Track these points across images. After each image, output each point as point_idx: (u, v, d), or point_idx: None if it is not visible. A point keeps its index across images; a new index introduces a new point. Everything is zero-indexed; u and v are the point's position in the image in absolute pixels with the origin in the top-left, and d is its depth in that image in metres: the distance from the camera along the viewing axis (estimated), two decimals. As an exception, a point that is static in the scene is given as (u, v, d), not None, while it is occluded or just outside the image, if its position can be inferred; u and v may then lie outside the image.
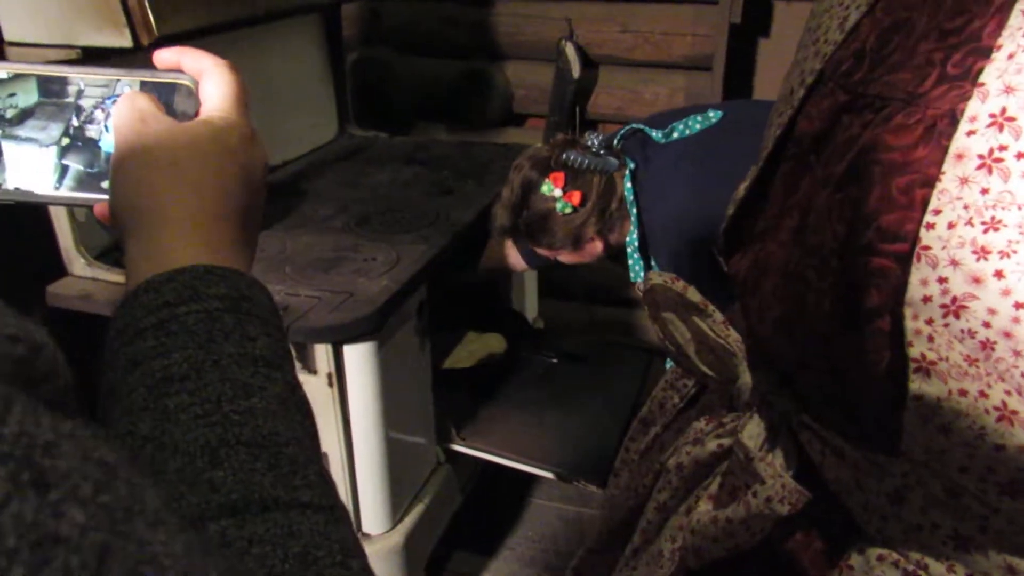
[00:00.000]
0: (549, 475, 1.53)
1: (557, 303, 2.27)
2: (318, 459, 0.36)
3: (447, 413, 1.58)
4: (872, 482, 0.44)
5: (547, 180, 1.38)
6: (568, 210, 1.37)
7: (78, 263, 1.32)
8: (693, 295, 0.59)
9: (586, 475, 1.50)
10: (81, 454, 0.20)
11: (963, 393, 0.38)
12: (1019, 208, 0.35)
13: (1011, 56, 0.36)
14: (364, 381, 1.29)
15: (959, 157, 0.36)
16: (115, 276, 1.30)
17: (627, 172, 1.37)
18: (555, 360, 1.85)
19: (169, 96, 0.45)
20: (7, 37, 1.19)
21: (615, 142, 1.42)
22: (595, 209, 1.38)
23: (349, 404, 1.30)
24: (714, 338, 0.57)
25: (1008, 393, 0.37)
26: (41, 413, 0.20)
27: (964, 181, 0.36)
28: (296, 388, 0.39)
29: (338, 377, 1.28)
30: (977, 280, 0.36)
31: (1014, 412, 0.37)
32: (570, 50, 1.96)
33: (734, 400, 0.58)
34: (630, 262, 1.40)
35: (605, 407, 1.69)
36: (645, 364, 1.85)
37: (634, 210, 1.36)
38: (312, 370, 1.29)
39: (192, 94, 0.45)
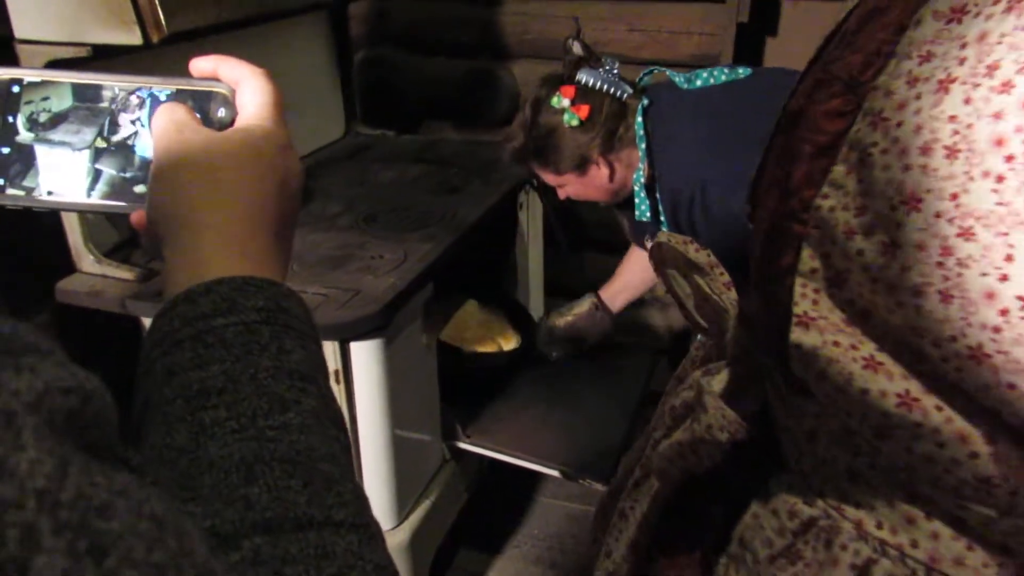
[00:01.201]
0: (555, 473, 1.53)
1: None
2: (352, 475, 0.36)
3: (453, 411, 1.59)
4: (795, 421, 0.49)
5: (557, 93, 1.36)
6: (575, 122, 1.34)
7: (87, 260, 1.32)
8: (700, 257, 0.62)
9: (592, 473, 1.50)
10: (135, 511, 0.21)
11: (836, 344, 0.42)
12: (877, 196, 0.39)
13: (899, 62, 0.40)
14: (371, 379, 1.29)
15: (849, 149, 0.41)
16: (124, 273, 1.31)
17: (640, 106, 1.35)
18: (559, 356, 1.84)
19: (205, 104, 0.45)
20: (17, 35, 1.20)
21: (637, 80, 1.41)
22: (603, 129, 1.36)
23: (356, 401, 1.31)
24: (711, 295, 0.61)
25: (879, 350, 0.41)
26: (95, 471, 0.21)
27: (849, 172, 0.40)
28: (331, 401, 0.39)
29: (345, 375, 1.28)
30: (848, 257, 0.40)
31: (880, 363, 0.41)
32: (577, 49, 1.96)
33: (725, 352, 0.61)
34: (636, 200, 1.37)
35: (611, 405, 1.69)
36: (650, 363, 1.85)
37: (643, 145, 1.34)
38: (319, 367, 1.29)
39: (229, 103, 0.45)
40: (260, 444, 0.33)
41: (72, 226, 1.31)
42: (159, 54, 1.19)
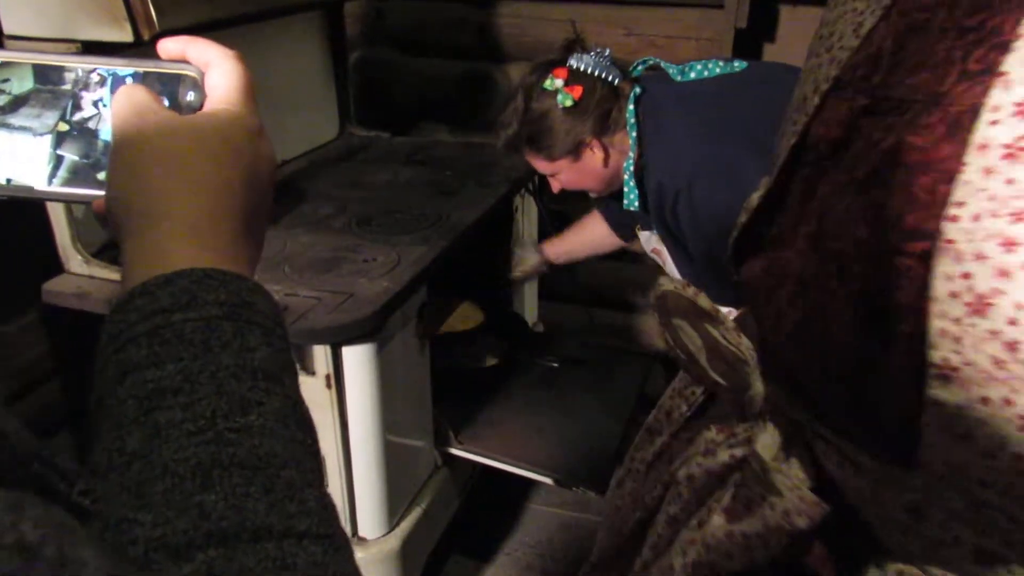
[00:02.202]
0: (548, 480, 1.52)
1: (557, 306, 2.26)
2: (319, 482, 0.34)
3: (445, 417, 1.57)
4: (890, 495, 0.42)
5: (549, 75, 1.35)
6: (568, 103, 1.33)
7: (75, 260, 1.30)
8: (704, 301, 0.58)
9: (585, 480, 1.49)
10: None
11: (985, 401, 0.36)
12: None
13: None
14: (363, 383, 1.27)
15: (982, 148, 0.35)
16: (112, 274, 1.29)
17: (632, 94, 1.34)
18: (555, 364, 1.83)
19: (173, 88, 0.43)
20: (6, 31, 1.18)
21: (631, 68, 1.40)
22: (597, 110, 1.34)
23: (347, 406, 1.29)
24: (726, 346, 0.56)
25: None
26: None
27: (988, 172, 0.35)
28: (298, 403, 0.37)
29: (336, 379, 1.26)
30: (1004, 274, 0.34)
31: None
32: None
33: (746, 409, 0.57)
34: (625, 189, 1.36)
35: (604, 411, 1.68)
36: (645, 368, 1.84)
37: (634, 132, 1.33)
38: (310, 371, 1.27)
39: (197, 86, 0.43)
40: (218, 448, 0.31)
41: (60, 226, 1.29)
42: (150, 51, 1.17)
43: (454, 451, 1.56)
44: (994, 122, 0.35)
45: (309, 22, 1.91)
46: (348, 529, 1.39)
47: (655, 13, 1.93)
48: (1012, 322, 0.34)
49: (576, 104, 1.33)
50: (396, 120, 2.25)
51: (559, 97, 1.33)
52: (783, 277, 0.46)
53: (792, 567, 0.50)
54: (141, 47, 1.15)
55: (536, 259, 1.79)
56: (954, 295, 0.36)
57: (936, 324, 0.37)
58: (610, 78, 1.34)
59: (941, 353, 0.37)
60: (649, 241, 1.48)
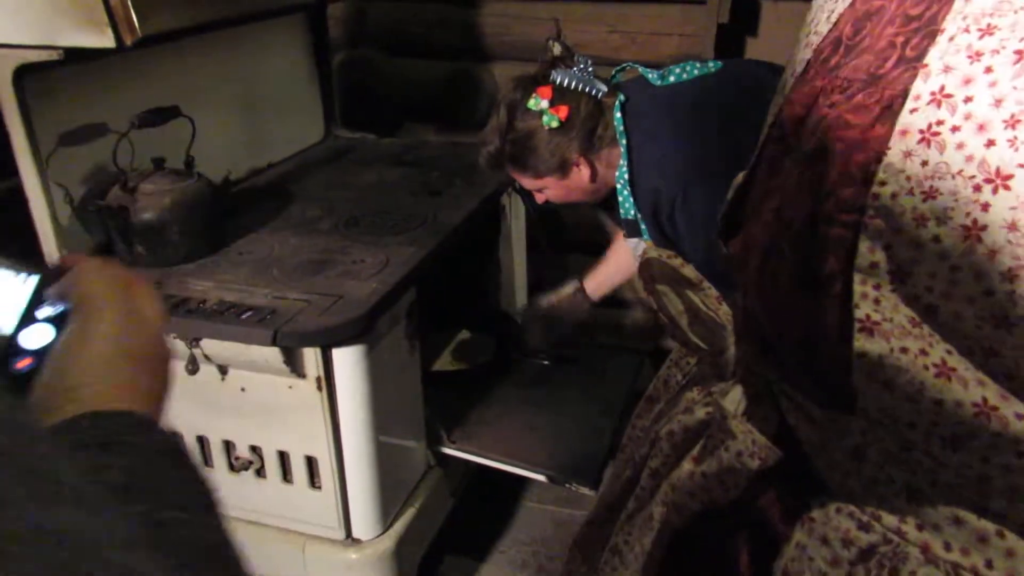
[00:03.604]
0: (541, 477, 1.52)
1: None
2: None
3: (437, 416, 1.57)
4: (835, 440, 0.46)
5: (534, 94, 1.34)
6: (554, 123, 1.32)
7: (61, 267, 1.29)
8: (688, 271, 0.61)
9: (577, 477, 1.49)
10: None
11: (904, 351, 0.40)
12: (953, 177, 0.36)
13: (951, 38, 0.37)
14: (353, 385, 1.27)
15: (903, 133, 0.39)
16: (99, 280, 1.28)
17: (617, 103, 1.34)
18: (546, 362, 1.84)
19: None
20: (-13, 38, 1.17)
21: (610, 76, 1.39)
22: (582, 129, 1.33)
23: (339, 408, 1.29)
24: (705, 311, 0.60)
25: (949, 352, 0.39)
26: None
27: (907, 155, 0.38)
28: (168, 526, 0.37)
29: (327, 381, 1.26)
30: (918, 246, 0.38)
31: (952, 369, 0.39)
32: (557, 50, 1.95)
33: (722, 370, 0.59)
34: (620, 198, 1.35)
35: (596, 409, 1.68)
36: (636, 366, 1.85)
37: (624, 141, 1.32)
38: (301, 374, 1.27)
39: (66, 316, 0.48)
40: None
41: (46, 233, 1.29)
42: (131, 57, 1.17)
43: (447, 450, 1.56)
44: (913, 110, 0.38)
45: (292, 25, 1.90)
46: (342, 531, 1.39)
47: (638, 10, 1.94)
48: (928, 289, 0.38)
49: (562, 125, 1.32)
50: (381, 121, 2.25)
51: (544, 118, 1.32)
52: (752, 248, 0.49)
53: (746, 508, 0.53)
54: (123, 52, 1.14)
55: (571, 287, 1.71)
56: (874, 265, 0.40)
57: (859, 289, 0.41)
58: (594, 92, 1.34)
59: (864, 311, 0.41)
60: (637, 248, 1.48)
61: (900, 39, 0.40)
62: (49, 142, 1.30)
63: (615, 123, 1.33)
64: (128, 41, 1.12)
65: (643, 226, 1.31)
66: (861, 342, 0.42)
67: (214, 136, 1.61)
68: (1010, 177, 0.34)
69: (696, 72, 1.34)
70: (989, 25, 0.36)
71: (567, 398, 1.73)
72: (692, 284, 0.61)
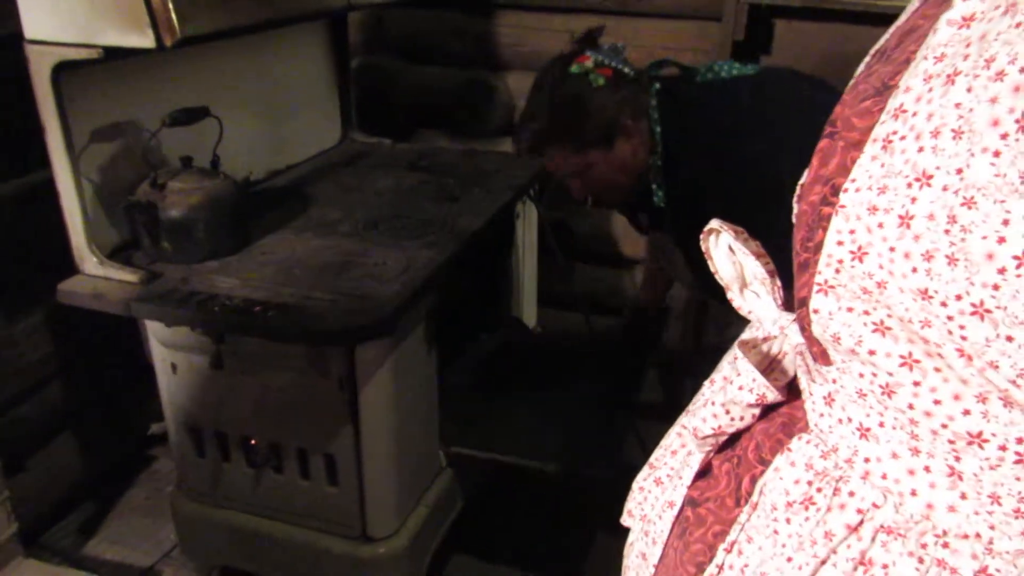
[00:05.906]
0: (551, 471, 1.55)
1: (556, 313, 2.29)
2: None
3: (449, 416, 1.60)
4: (816, 387, 0.56)
5: (575, 62, 1.32)
6: (601, 81, 1.30)
7: (90, 262, 1.31)
8: (754, 245, 0.67)
9: (588, 470, 1.53)
10: None
11: (850, 309, 0.49)
12: (895, 176, 0.45)
13: (916, 63, 0.46)
14: (376, 384, 1.29)
15: (874, 140, 0.47)
16: (127, 275, 1.30)
17: (653, 90, 1.34)
18: (553, 362, 1.88)
19: None
20: (27, 35, 1.19)
21: (646, 67, 1.40)
22: (627, 90, 1.32)
23: (360, 407, 1.31)
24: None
25: (889, 316, 0.47)
26: None
27: (873, 158, 0.47)
28: None
29: (349, 380, 1.29)
30: (870, 231, 0.46)
31: (888, 328, 0.47)
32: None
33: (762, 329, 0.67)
34: (653, 186, 1.35)
35: (602, 406, 1.72)
36: (643, 365, 1.89)
37: (658, 128, 1.33)
38: (324, 373, 1.29)
39: None
40: None
41: (75, 227, 1.30)
42: (162, 57, 1.19)
43: (458, 450, 1.59)
44: (883, 122, 0.47)
45: (314, 30, 1.93)
46: (357, 528, 1.41)
47: (654, 25, 1.98)
48: (880, 267, 0.46)
49: (608, 82, 1.31)
50: (395, 127, 2.28)
51: (591, 76, 1.31)
52: (802, 221, 0.56)
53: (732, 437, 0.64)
54: (161, 53, 1.17)
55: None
56: (840, 244, 0.48)
57: (823, 259, 0.50)
58: (628, 71, 1.35)
59: (824, 276, 0.50)
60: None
61: (914, 56, 0.47)
62: (82, 138, 1.32)
63: (651, 110, 1.34)
64: (168, 42, 1.14)
65: (668, 215, 1.33)
66: (818, 300, 0.51)
67: (236, 136, 1.63)
68: (931, 176, 0.42)
69: (735, 72, 1.37)
70: (942, 54, 0.44)
71: (575, 392, 1.76)
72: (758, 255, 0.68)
